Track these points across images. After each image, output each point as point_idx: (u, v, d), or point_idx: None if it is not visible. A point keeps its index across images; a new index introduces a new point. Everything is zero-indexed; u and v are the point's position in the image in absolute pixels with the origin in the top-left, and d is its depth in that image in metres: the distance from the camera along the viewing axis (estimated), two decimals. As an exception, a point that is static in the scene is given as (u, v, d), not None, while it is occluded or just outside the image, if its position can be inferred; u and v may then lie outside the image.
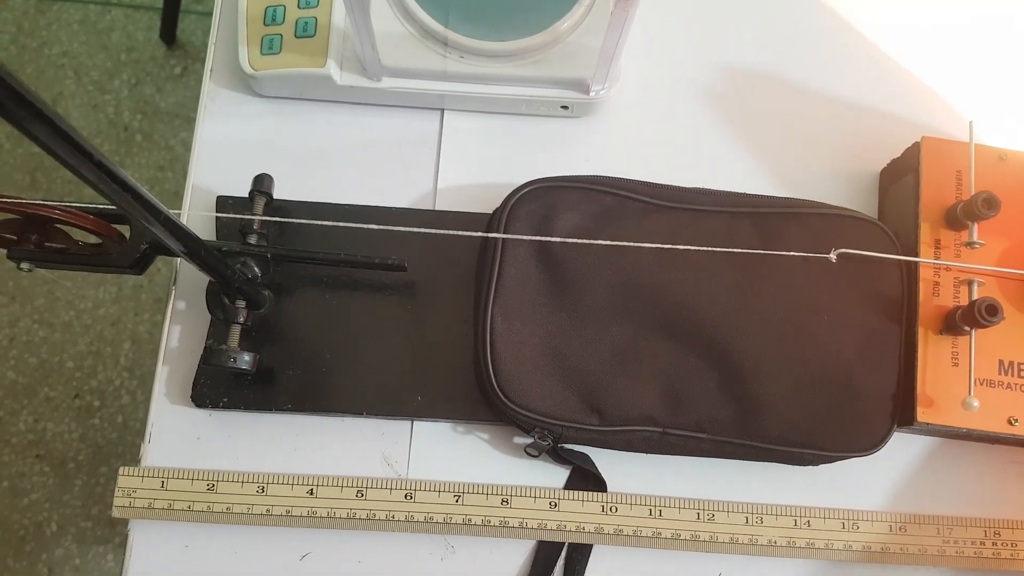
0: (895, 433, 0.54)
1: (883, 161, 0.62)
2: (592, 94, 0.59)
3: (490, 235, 0.54)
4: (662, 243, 0.54)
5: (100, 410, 1.34)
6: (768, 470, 0.56)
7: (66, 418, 1.33)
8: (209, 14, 1.51)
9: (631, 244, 0.52)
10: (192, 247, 0.43)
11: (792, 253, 0.53)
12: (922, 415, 0.52)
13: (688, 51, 0.65)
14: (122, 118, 1.46)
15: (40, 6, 1.51)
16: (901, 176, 0.59)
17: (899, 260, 0.55)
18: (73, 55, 1.48)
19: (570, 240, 0.52)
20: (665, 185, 0.56)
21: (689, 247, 0.53)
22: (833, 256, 0.52)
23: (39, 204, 0.48)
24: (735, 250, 0.53)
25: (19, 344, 1.35)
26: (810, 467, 0.55)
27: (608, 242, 0.52)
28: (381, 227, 0.48)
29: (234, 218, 0.53)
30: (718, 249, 0.53)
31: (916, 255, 0.55)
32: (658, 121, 0.63)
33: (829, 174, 0.63)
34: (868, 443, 0.52)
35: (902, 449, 0.58)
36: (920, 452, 0.58)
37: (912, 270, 0.55)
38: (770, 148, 0.63)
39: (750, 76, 0.65)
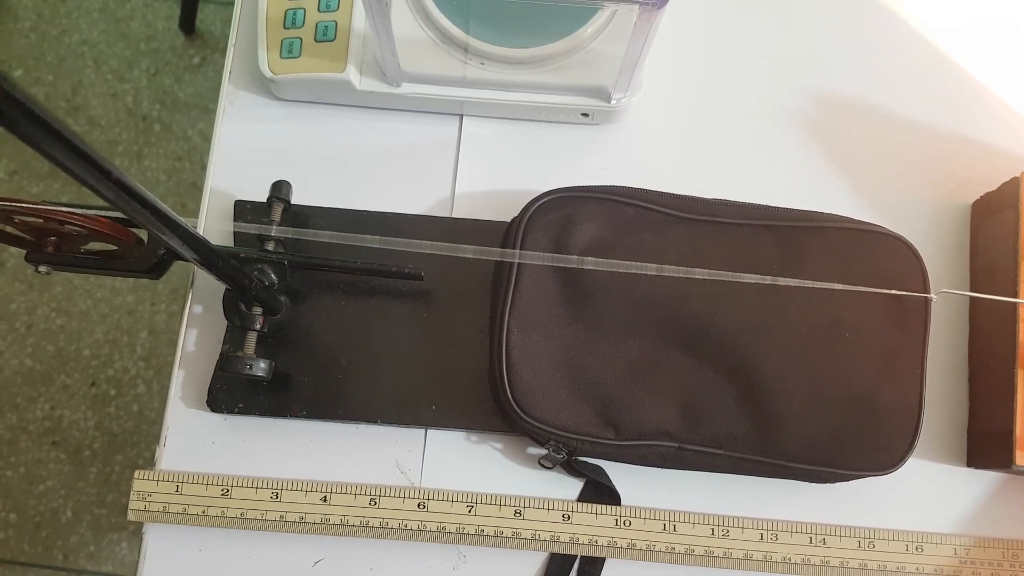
0: (967, 468, 0.55)
1: (975, 193, 0.61)
2: (613, 102, 0.58)
3: (506, 259, 0.53)
4: (682, 255, 0.53)
5: (116, 399, 1.35)
6: (784, 486, 0.55)
7: (82, 406, 1.34)
8: (228, 4, 1.51)
9: (657, 268, 0.51)
10: (208, 258, 0.43)
11: (868, 288, 0.52)
12: (1021, 458, 0.52)
13: (714, 62, 0.64)
14: (141, 108, 1.47)
15: (60, -6, 1.51)
16: (997, 211, 0.58)
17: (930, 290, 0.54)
18: (93, 44, 1.49)
19: (588, 261, 0.52)
20: (685, 196, 0.56)
21: (739, 277, 0.52)
22: (934, 296, 0.52)
23: (58, 210, 0.48)
24: (807, 282, 0.52)
25: (37, 332, 1.36)
26: (827, 484, 0.55)
27: (628, 263, 0.51)
28: (391, 243, 0.48)
29: (253, 228, 0.53)
30: (779, 280, 0.52)
31: (1015, 295, 0.54)
32: (681, 131, 0.62)
33: (915, 202, 0.61)
34: (887, 462, 0.52)
35: (920, 468, 0.57)
36: (938, 472, 0.57)
37: (1011, 311, 0.54)
38: (815, 167, 0.62)
39: (784, 91, 0.64)
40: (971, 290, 0.59)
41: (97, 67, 1.48)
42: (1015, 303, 0.54)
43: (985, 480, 0.57)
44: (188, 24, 1.48)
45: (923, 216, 0.61)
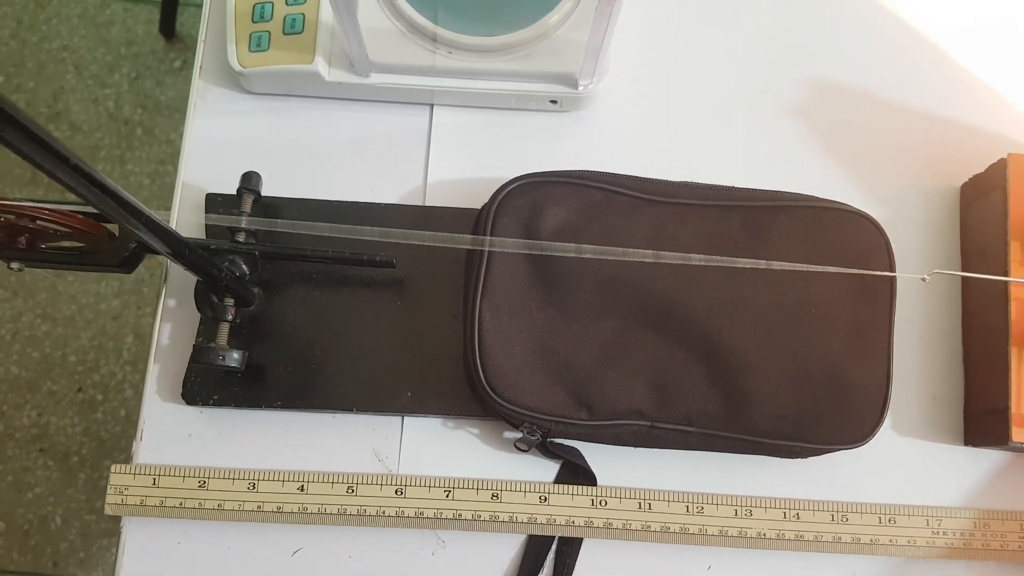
0: (964, 446, 0.56)
1: (963, 176, 0.61)
2: (581, 88, 0.59)
3: (475, 247, 0.54)
4: (650, 237, 0.54)
5: (103, 404, 1.34)
6: (757, 463, 0.56)
7: (69, 412, 1.34)
8: (207, 7, 1.51)
9: (623, 252, 0.52)
10: (176, 247, 0.43)
11: (834, 269, 0.53)
12: (1017, 435, 0.52)
13: (683, 47, 0.65)
14: (123, 112, 1.47)
15: (40, 0, 1.51)
16: (986, 192, 0.59)
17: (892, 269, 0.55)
18: (73, 49, 1.49)
19: (558, 246, 0.52)
20: (653, 179, 0.56)
21: (712, 260, 0.53)
22: (927, 277, 0.52)
23: (27, 205, 0.48)
24: (772, 264, 0.53)
25: (22, 339, 1.36)
26: (799, 460, 0.56)
27: (600, 249, 0.52)
28: (361, 232, 0.49)
29: (221, 219, 0.53)
30: (758, 264, 0.53)
31: (1006, 274, 0.55)
32: (650, 116, 0.63)
33: (904, 186, 0.62)
34: (857, 435, 0.52)
35: (892, 441, 0.58)
36: (909, 445, 0.58)
37: (1002, 290, 0.55)
38: (791, 151, 0.63)
39: (765, 76, 0.64)
40: (963, 271, 0.60)
41: (78, 73, 1.48)
42: (1006, 282, 0.55)
43: (960, 449, 0.58)
44: (168, 28, 1.48)
45: (913, 200, 0.62)
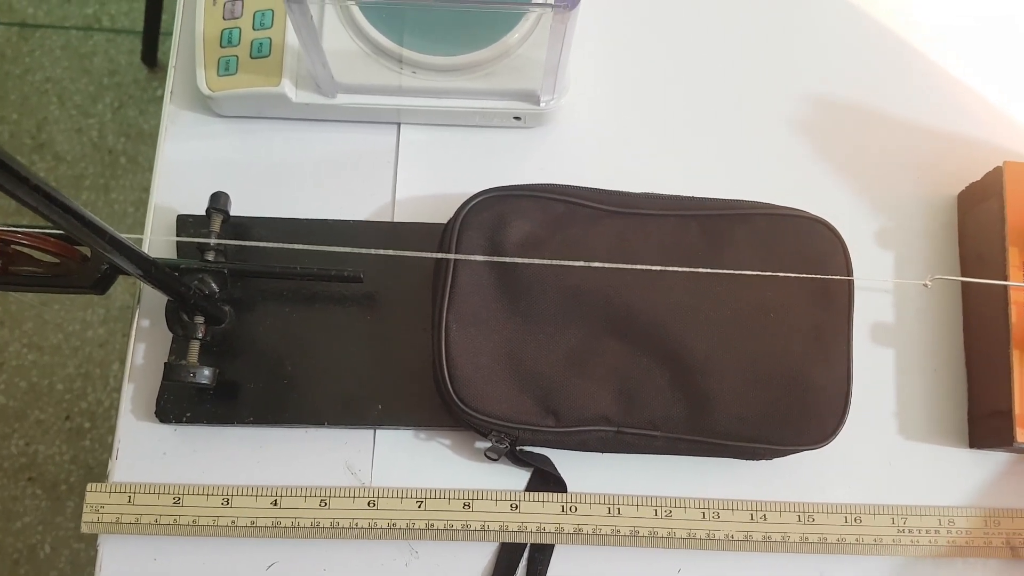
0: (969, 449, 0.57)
1: (958, 185, 0.63)
2: (542, 105, 0.60)
3: (441, 255, 0.55)
4: (611, 247, 0.55)
5: (91, 431, 1.35)
6: (724, 466, 0.57)
7: (57, 440, 1.34)
8: (189, 36, 1.53)
9: (588, 264, 0.53)
10: (143, 266, 0.44)
11: (805, 275, 0.54)
12: (1022, 436, 0.54)
13: (642, 61, 0.66)
14: (106, 141, 1.48)
15: (23, 32, 1.53)
16: (983, 200, 0.60)
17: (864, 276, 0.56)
18: (56, 80, 1.50)
19: (523, 260, 0.53)
20: (614, 191, 0.57)
21: (670, 268, 0.54)
22: (928, 283, 0.53)
23: (2, 229, 0.49)
24: (736, 273, 0.54)
25: (9, 368, 1.36)
26: (765, 462, 0.56)
27: (563, 262, 0.53)
28: (325, 248, 0.50)
29: (190, 239, 0.54)
30: (716, 272, 0.54)
31: (1005, 278, 0.56)
32: (612, 130, 0.64)
33: (901, 197, 0.64)
34: (819, 436, 0.53)
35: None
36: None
37: (1002, 294, 0.56)
38: (761, 163, 0.64)
39: (763, 91, 0.66)
40: (961, 277, 0.61)
41: (61, 103, 1.49)
42: (1006, 286, 0.56)
43: (924, 447, 0.59)
44: (150, 57, 1.50)
45: (911, 209, 0.63)
